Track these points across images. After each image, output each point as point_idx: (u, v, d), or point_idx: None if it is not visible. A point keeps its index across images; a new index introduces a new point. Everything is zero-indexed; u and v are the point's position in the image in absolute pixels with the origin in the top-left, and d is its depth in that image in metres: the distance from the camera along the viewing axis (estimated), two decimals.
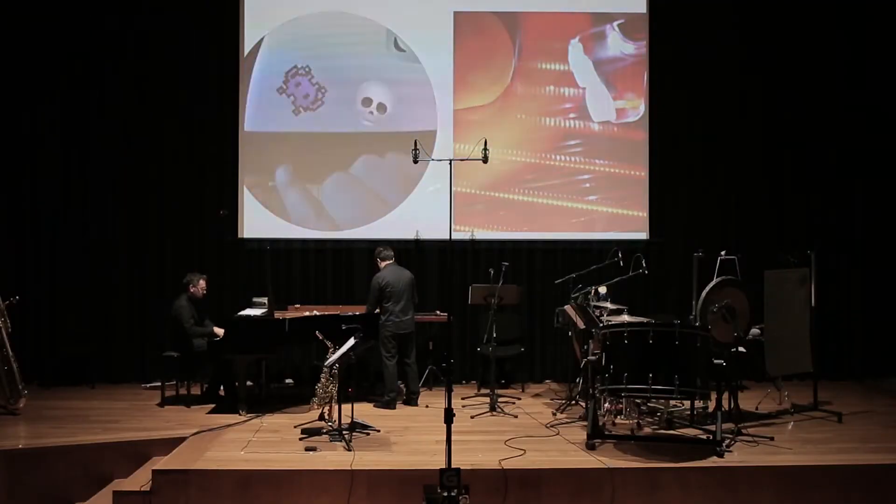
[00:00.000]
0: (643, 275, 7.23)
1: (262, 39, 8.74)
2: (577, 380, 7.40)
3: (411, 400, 7.60)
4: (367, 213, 8.79)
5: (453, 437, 4.89)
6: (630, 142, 8.90)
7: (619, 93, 8.91)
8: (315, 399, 6.55)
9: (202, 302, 7.76)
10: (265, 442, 6.16)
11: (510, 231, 8.87)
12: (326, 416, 6.50)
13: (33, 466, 5.90)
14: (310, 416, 6.81)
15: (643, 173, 8.90)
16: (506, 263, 7.77)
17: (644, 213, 8.91)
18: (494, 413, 7.15)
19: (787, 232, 8.87)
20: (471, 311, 8.54)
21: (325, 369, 6.48)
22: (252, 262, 8.70)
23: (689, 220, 8.91)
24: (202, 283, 7.73)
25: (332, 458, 5.67)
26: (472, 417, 7.01)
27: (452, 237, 5.45)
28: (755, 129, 8.95)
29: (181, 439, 6.16)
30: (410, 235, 8.70)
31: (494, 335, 7.45)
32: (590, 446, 5.90)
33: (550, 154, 8.89)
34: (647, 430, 6.49)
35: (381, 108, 8.81)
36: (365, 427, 6.42)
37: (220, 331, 7.46)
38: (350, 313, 7.41)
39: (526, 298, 8.56)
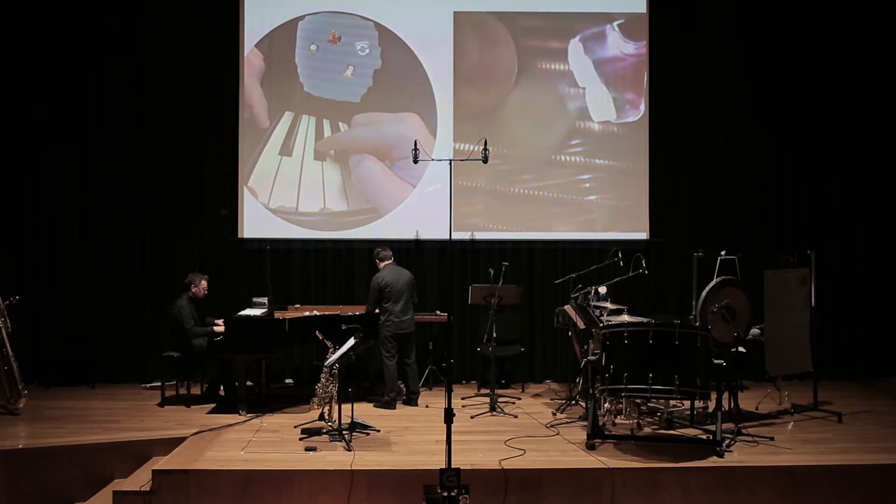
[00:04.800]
0: (643, 275, 7.23)
1: (262, 39, 8.74)
2: (577, 380, 7.40)
3: (411, 400, 7.60)
4: (367, 213, 8.78)
5: (453, 437, 4.89)
6: (630, 142, 8.89)
7: (619, 93, 8.91)
8: (315, 399, 6.55)
9: (203, 302, 7.76)
10: (265, 442, 6.16)
11: (510, 231, 8.87)
12: (326, 416, 6.51)
13: (33, 466, 5.90)
14: (310, 416, 6.82)
15: (643, 173, 8.90)
16: (506, 263, 7.78)
17: (644, 214, 8.91)
18: (494, 413, 7.15)
19: (787, 232, 8.87)
20: (471, 311, 8.55)
21: (325, 369, 6.48)
22: (252, 262, 8.70)
23: (689, 220, 8.91)
24: (203, 283, 7.73)
25: (332, 458, 5.67)
26: (472, 417, 7.01)
27: (452, 237, 5.45)
28: (755, 128, 8.95)
29: (181, 439, 6.16)
30: (410, 235, 8.71)
31: (494, 335, 7.45)
32: (590, 446, 5.90)
33: (550, 154, 8.89)
34: (647, 430, 6.49)
35: (382, 107, 8.80)
36: (365, 427, 6.42)
37: (220, 327, 7.46)
38: (350, 313, 7.41)
39: (526, 298, 8.56)
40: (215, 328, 7.51)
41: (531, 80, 8.86)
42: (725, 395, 6.24)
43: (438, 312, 8.41)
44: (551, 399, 7.88)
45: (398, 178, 8.78)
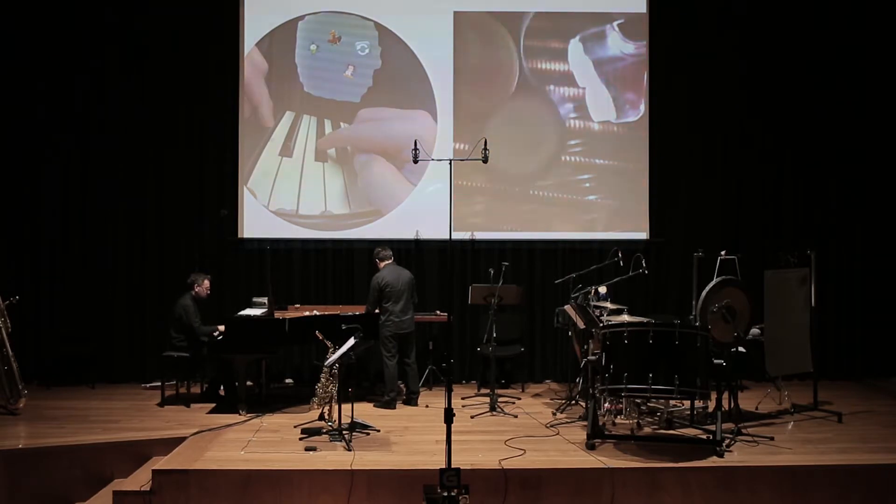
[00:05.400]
0: (643, 275, 7.23)
1: (262, 39, 8.74)
2: (577, 380, 7.40)
3: (411, 400, 7.60)
4: (367, 212, 8.79)
5: (453, 437, 4.89)
6: (630, 142, 8.89)
7: (619, 93, 8.90)
8: (315, 399, 6.55)
9: (205, 302, 7.77)
10: (265, 442, 6.16)
11: (510, 231, 8.86)
12: (326, 416, 6.51)
13: (33, 466, 5.90)
14: (310, 416, 6.82)
15: (643, 173, 8.90)
16: (506, 263, 7.78)
17: (644, 214, 8.91)
18: (494, 413, 7.15)
19: (787, 232, 8.87)
20: (471, 311, 8.55)
21: (325, 369, 6.48)
22: (252, 262, 8.70)
23: (689, 220, 8.91)
24: (206, 282, 7.75)
25: (332, 458, 5.67)
26: (472, 417, 7.01)
27: (452, 237, 5.45)
28: (755, 128, 8.95)
29: (181, 439, 6.16)
30: (410, 235, 8.71)
31: (494, 335, 7.45)
32: (590, 446, 5.90)
33: (551, 154, 8.88)
34: (647, 430, 6.49)
35: (382, 107, 8.80)
36: (365, 427, 6.42)
37: (220, 326, 7.48)
38: (350, 313, 7.41)
39: (526, 298, 8.55)
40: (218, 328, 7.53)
41: (531, 80, 8.86)
42: (725, 395, 6.24)
43: (438, 312, 8.41)
44: (551, 399, 7.88)
45: (405, 178, 8.77)
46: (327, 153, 8.80)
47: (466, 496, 4.76)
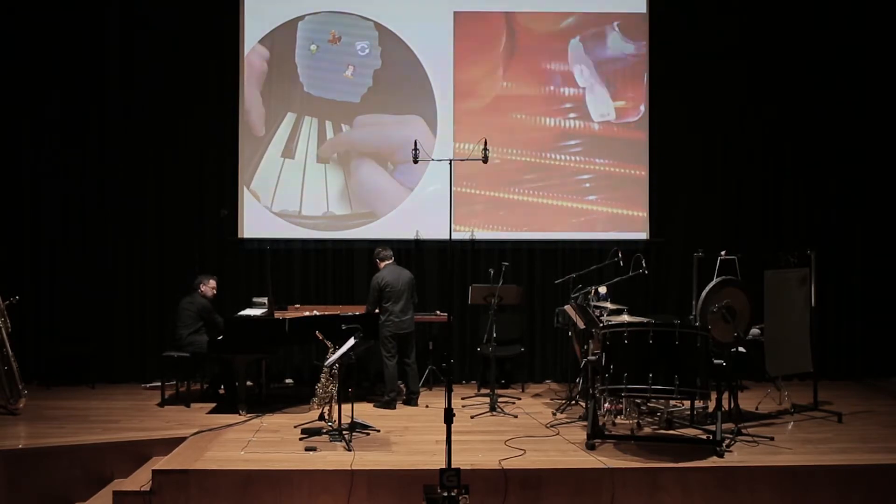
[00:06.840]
0: (643, 275, 7.23)
1: (263, 39, 8.74)
2: (577, 380, 7.40)
3: (411, 400, 7.60)
4: (368, 213, 8.78)
5: (453, 437, 4.89)
6: (630, 142, 8.89)
7: (619, 93, 8.90)
8: (315, 399, 6.55)
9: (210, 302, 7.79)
10: (265, 442, 6.16)
11: (510, 231, 8.87)
12: (326, 416, 6.51)
13: (33, 466, 5.90)
14: (310, 416, 6.82)
15: (643, 173, 8.90)
16: (506, 263, 7.78)
17: (644, 213, 8.91)
18: (494, 413, 7.15)
19: (787, 232, 8.87)
20: (471, 311, 8.55)
21: (325, 369, 6.48)
22: (252, 262, 8.70)
23: (689, 220, 8.91)
24: (213, 283, 7.79)
25: (332, 458, 5.67)
26: (472, 417, 7.01)
27: (452, 237, 5.46)
28: (755, 128, 8.95)
29: (181, 439, 6.16)
30: (410, 235, 8.71)
31: (494, 335, 7.45)
32: (590, 446, 5.90)
33: (550, 154, 8.89)
34: (647, 430, 6.49)
35: (382, 107, 8.80)
36: (365, 427, 6.42)
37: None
38: (350, 313, 7.41)
39: (526, 298, 8.55)
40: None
41: (531, 80, 8.86)
42: (725, 395, 6.24)
43: (438, 312, 8.41)
44: (551, 399, 7.88)
45: (397, 182, 8.76)
46: (330, 156, 8.79)
47: (466, 496, 4.76)
